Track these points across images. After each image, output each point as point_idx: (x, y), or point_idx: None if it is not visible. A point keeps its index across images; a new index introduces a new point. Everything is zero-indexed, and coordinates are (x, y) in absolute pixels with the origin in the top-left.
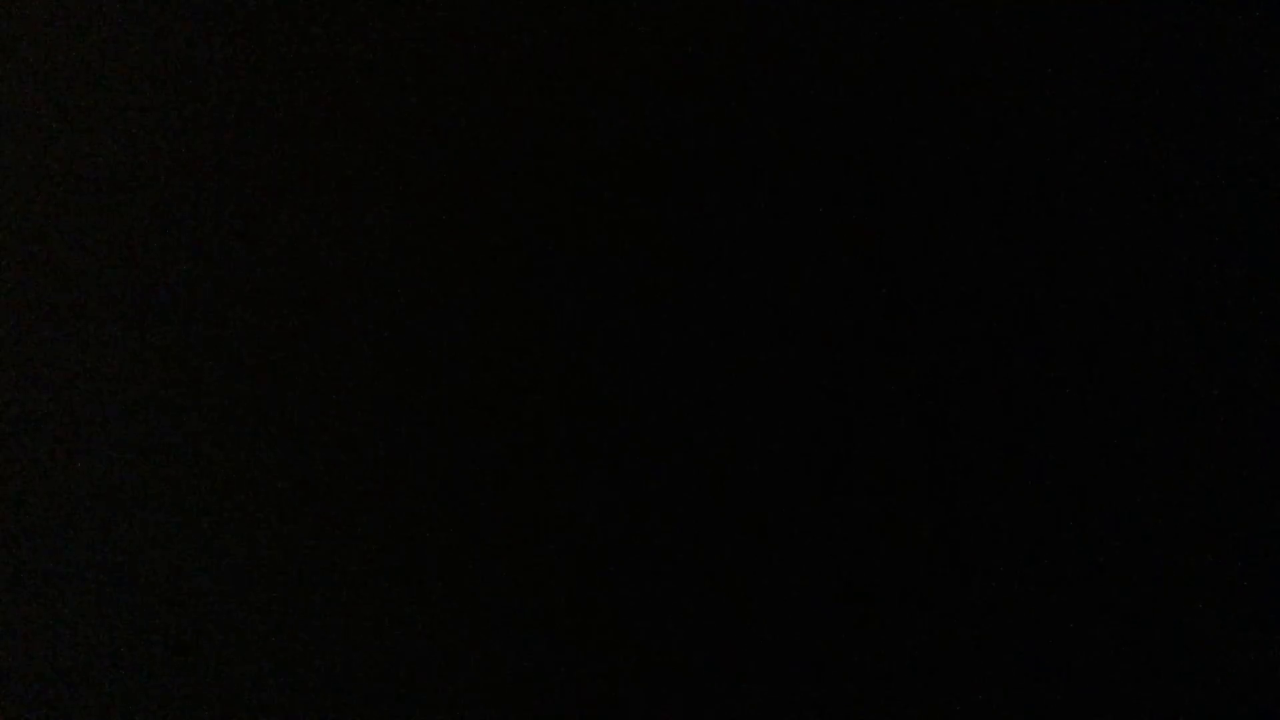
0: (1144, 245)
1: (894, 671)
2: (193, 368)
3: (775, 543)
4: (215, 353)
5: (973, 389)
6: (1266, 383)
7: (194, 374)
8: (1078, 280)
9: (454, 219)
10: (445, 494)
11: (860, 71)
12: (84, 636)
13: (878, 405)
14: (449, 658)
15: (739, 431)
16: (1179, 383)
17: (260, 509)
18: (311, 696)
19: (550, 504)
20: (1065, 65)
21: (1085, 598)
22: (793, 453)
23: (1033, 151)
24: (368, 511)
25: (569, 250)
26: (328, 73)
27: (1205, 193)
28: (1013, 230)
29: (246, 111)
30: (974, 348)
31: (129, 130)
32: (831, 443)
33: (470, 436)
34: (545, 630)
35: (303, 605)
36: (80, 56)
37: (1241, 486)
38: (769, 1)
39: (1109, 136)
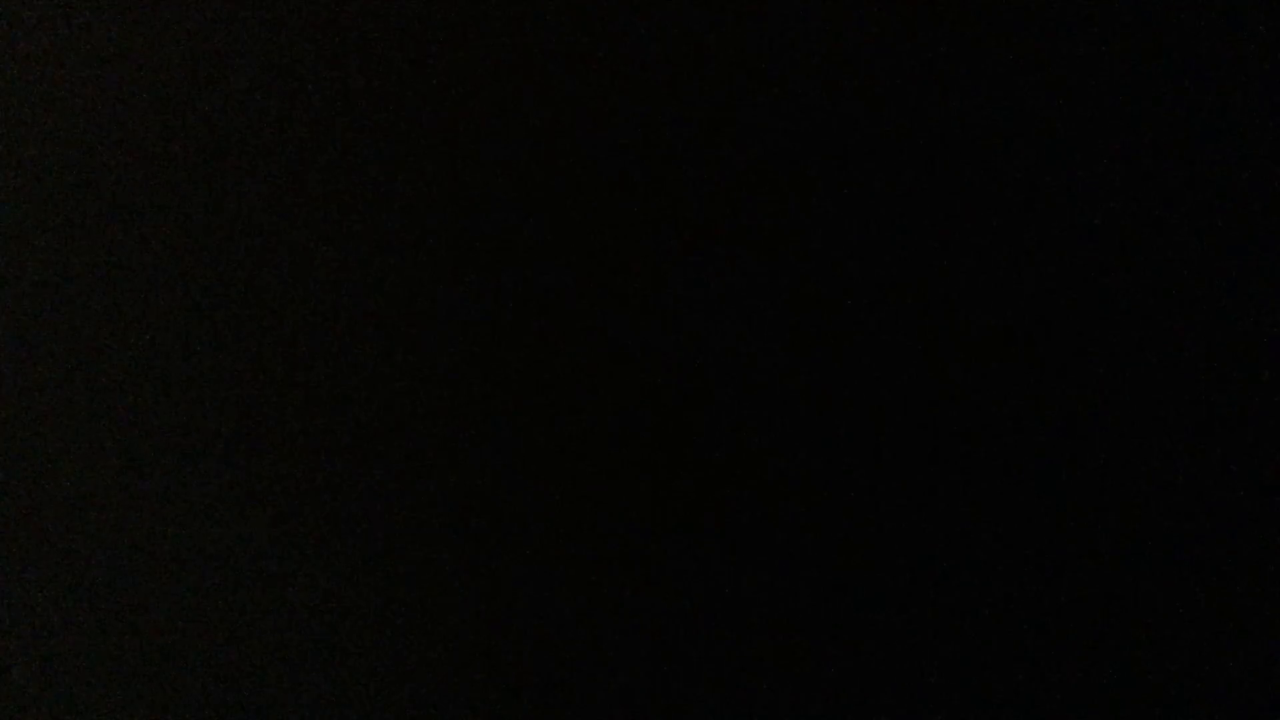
0: (1144, 246)
1: (893, 672)
2: (192, 368)
3: (775, 543)
4: (215, 353)
5: (973, 390)
6: (1267, 383)
7: (193, 374)
8: (1077, 281)
9: (454, 219)
10: (444, 494)
11: (860, 72)
12: (84, 636)
13: (877, 406)
14: (449, 658)
15: (738, 432)
16: (1178, 383)
17: (260, 509)
18: (311, 696)
19: (549, 504)
20: (1065, 65)
21: (1084, 598)
22: (792, 454)
23: (1032, 152)
24: (367, 512)
25: (568, 250)
26: (328, 73)
27: (1205, 193)
28: (1012, 231)
29: (247, 111)
30: (974, 349)
31: (129, 130)
32: (830, 444)
33: (469, 437)
34: (543, 631)
35: (302, 606)
36: (80, 57)
37: (1241, 486)
38: (769, 3)
39: (1109, 137)
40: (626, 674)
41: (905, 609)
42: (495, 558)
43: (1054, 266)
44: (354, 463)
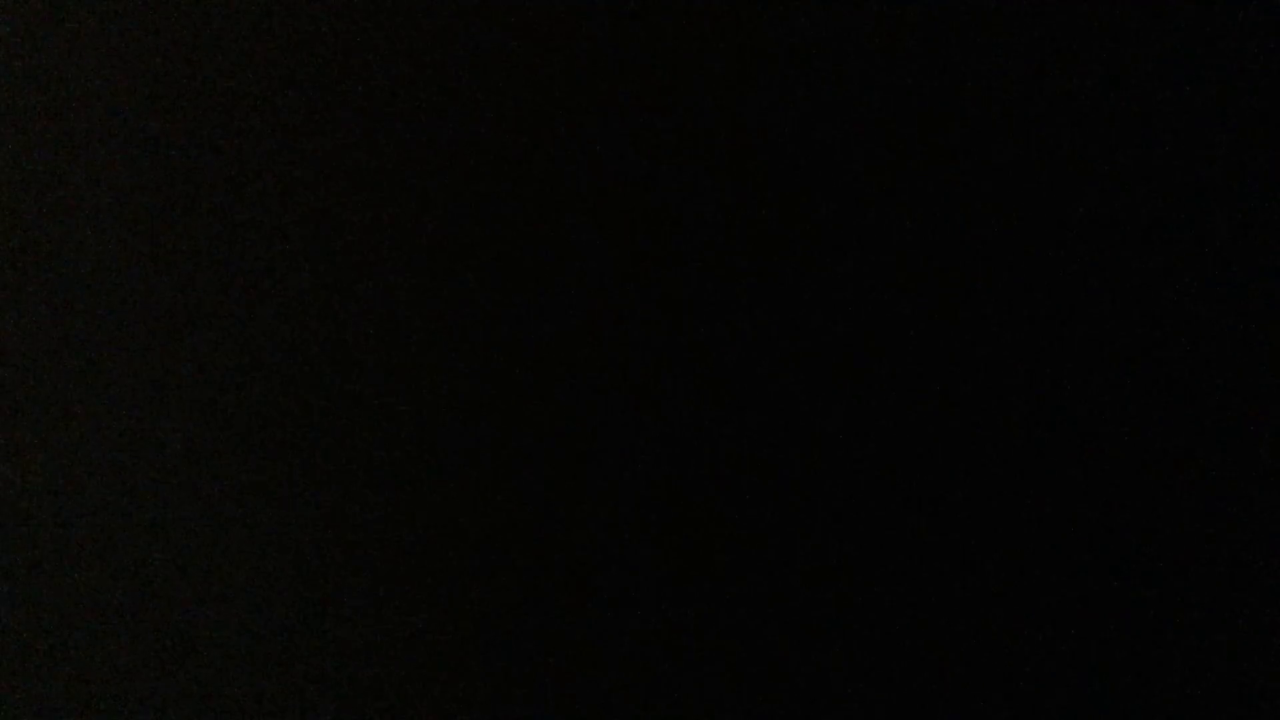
0: (1143, 247)
1: (893, 672)
2: (193, 368)
3: (773, 544)
4: (216, 353)
5: (972, 391)
6: (1266, 383)
7: (194, 375)
8: (1077, 281)
9: (454, 219)
10: (444, 495)
11: (861, 73)
12: (84, 636)
13: (877, 407)
14: (446, 658)
15: (737, 433)
16: (1179, 383)
17: (261, 509)
18: (311, 696)
19: (547, 505)
20: (1065, 65)
21: (1084, 599)
22: (792, 455)
23: (1032, 152)
24: (368, 512)
25: (568, 251)
26: (328, 73)
27: (1205, 193)
28: (1012, 231)
29: (247, 111)
30: (974, 349)
31: (129, 130)
32: (828, 445)
33: (469, 437)
34: (538, 632)
35: (303, 606)
36: (80, 56)
37: (1242, 486)
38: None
39: (1109, 137)
40: (626, 676)
41: (905, 610)
42: (495, 559)
43: (1054, 267)
44: (353, 464)
